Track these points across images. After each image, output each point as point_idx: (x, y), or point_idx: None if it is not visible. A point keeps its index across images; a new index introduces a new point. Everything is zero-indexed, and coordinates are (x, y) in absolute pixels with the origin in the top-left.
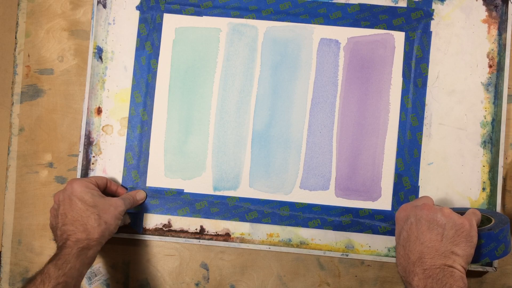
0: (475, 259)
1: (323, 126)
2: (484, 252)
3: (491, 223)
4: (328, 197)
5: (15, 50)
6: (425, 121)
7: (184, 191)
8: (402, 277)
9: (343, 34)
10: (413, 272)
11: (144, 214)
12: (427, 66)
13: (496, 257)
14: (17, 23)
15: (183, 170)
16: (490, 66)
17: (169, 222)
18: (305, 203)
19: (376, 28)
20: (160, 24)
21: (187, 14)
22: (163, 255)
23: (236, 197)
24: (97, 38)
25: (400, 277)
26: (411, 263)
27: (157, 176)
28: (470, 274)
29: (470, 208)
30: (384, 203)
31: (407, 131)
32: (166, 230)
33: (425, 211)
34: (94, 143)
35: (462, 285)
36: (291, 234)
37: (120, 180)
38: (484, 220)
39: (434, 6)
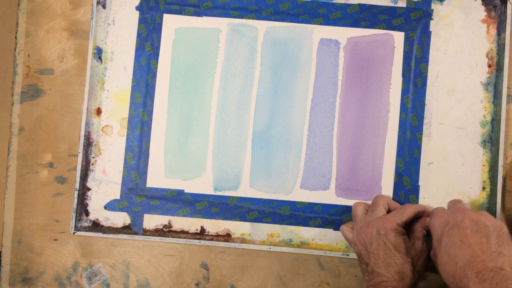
0: None
1: (323, 126)
2: None
3: None
4: (328, 197)
5: (15, 50)
6: (425, 121)
7: (185, 191)
8: (451, 284)
9: (343, 34)
10: (466, 277)
11: (144, 214)
12: (427, 66)
13: None
14: (17, 23)
15: (183, 171)
16: (489, 66)
17: (169, 222)
18: (306, 202)
19: (375, 28)
20: (160, 25)
21: (187, 15)
22: (163, 255)
23: (236, 197)
24: (97, 39)
25: (446, 285)
26: (460, 268)
27: (157, 177)
28: None
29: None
30: None
31: (407, 131)
32: (166, 231)
33: (465, 214)
34: (93, 144)
35: None
36: (292, 234)
37: (120, 181)
38: None
39: (433, 6)
